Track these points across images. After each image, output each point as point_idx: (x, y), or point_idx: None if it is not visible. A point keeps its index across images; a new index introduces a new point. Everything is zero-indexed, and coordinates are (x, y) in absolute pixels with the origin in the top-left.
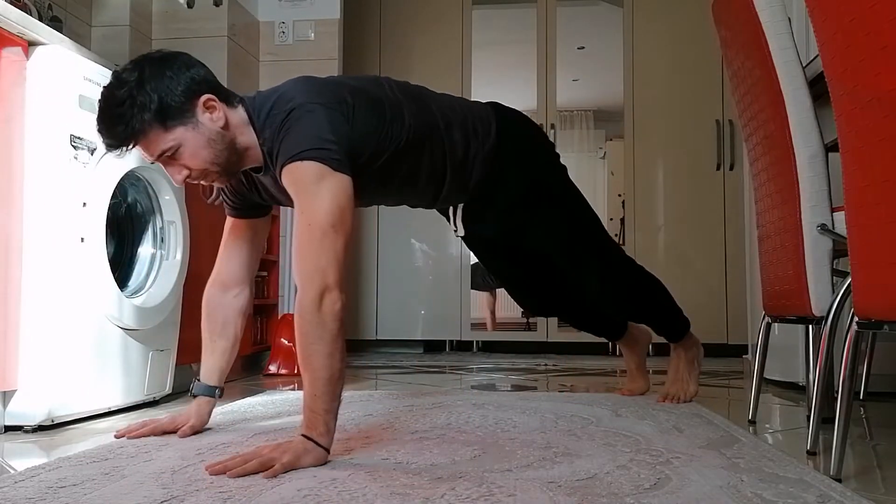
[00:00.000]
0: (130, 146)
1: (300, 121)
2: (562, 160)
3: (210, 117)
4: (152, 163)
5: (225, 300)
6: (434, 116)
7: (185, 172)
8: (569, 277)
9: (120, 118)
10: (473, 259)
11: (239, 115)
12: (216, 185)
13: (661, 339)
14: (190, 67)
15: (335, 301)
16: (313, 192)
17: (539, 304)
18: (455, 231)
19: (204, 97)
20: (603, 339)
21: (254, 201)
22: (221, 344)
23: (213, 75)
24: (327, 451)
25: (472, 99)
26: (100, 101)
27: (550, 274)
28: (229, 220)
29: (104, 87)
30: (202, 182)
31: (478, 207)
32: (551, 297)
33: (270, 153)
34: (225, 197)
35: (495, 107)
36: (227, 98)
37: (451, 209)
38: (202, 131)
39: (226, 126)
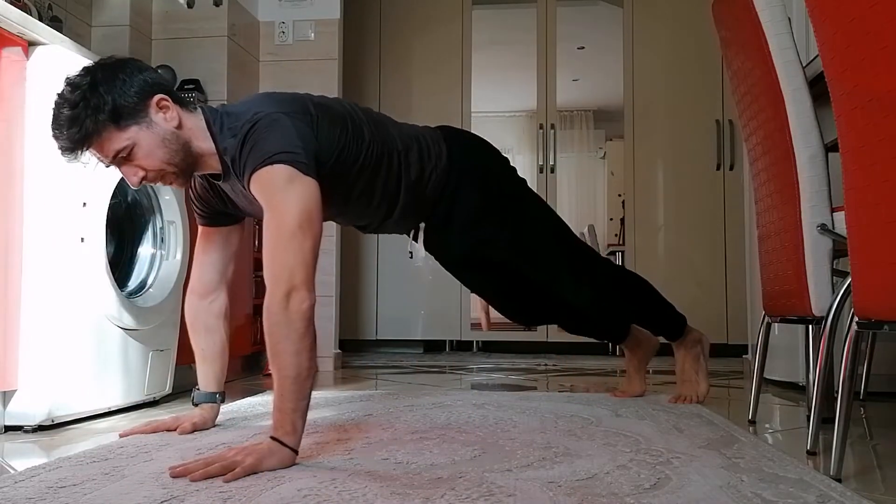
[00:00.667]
0: (85, 148)
1: (267, 129)
2: (518, 173)
3: (164, 117)
4: (108, 166)
5: (203, 307)
6: (393, 139)
7: (141, 174)
8: (543, 287)
9: (73, 120)
10: None
11: (195, 120)
12: (174, 186)
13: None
14: (142, 71)
15: (303, 300)
16: (282, 194)
17: (526, 316)
18: (410, 253)
19: (157, 97)
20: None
21: (221, 209)
22: (210, 350)
23: (166, 80)
24: (295, 451)
25: (472, 99)
26: (53, 107)
27: (528, 285)
28: (201, 229)
29: (57, 93)
30: (160, 183)
31: (439, 229)
32: (536, 308)
33: (233, 162)
34: (194, 206)
35: (445, 130)
36: (182, 102)
37: (412, 232)
38: (156, 131)
39: (179, 127)
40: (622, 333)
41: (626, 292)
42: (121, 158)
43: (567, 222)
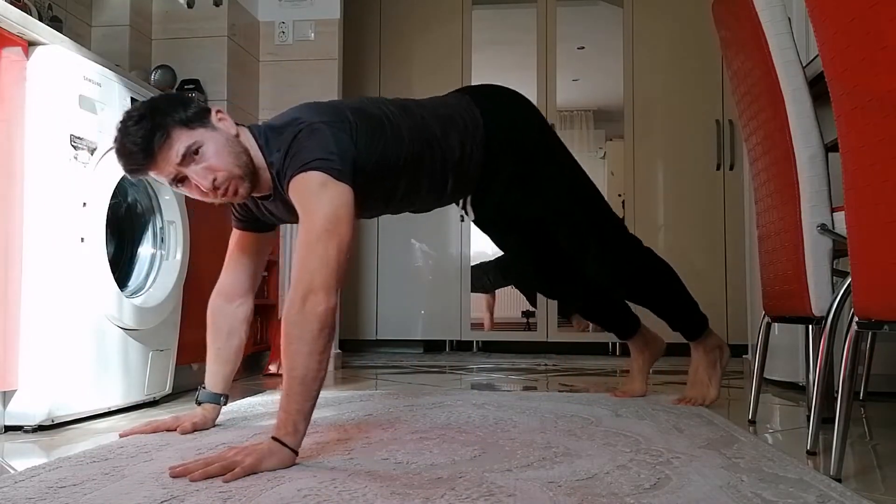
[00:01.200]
0: (155, 148)
1: (307, 138)
2: (549, 127)
3: (225, 125)
4: (172, 182)
5: (229, 310)
6: (430, 127)
7: (211, 176)
8: (571, 248)
9: (141, 124)
10: (473, 260)
11: (246, 135)
12: (238, 199)
13: (674, 340)
14: (193, 101)
15: (319, 303)
16: (314, 199)
17: (549, 285)
18: (465, 216)
19: (215, 109)
20: (603, 339)
21: (259, 216)
22: (226, 352)
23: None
24: (295, 452)
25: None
26: (117, 132)
27: (557, 251)
28: (235, 233)
29: (119, 122)
30: (228, 193)
31: (480, 198)
32: (560, 276)
33: (279, 174)
34: (233, 208)
35: (471, 93)
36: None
37: (461, 202)
38: (221, 134)
39: (238, 136)
40: (631, 328)
41: (650, 272)
42: (190, 157)
43: None
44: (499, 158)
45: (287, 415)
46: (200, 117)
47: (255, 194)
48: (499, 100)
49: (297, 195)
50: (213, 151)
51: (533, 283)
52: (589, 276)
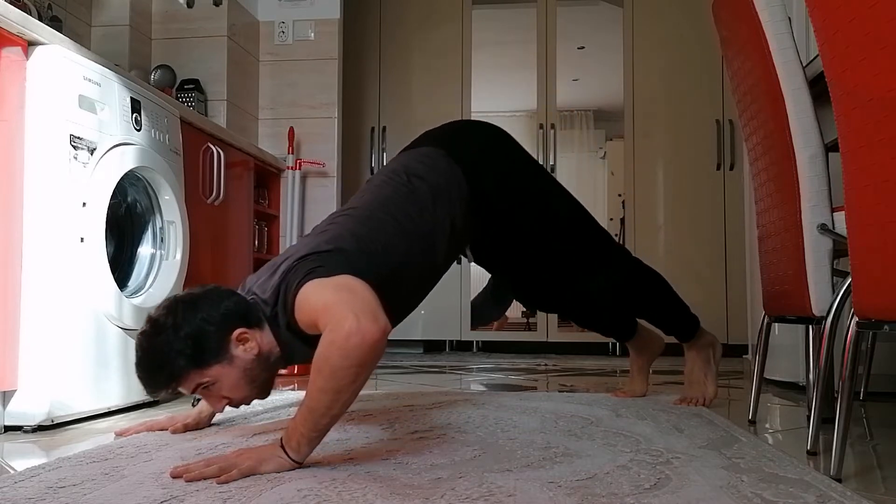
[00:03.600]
0: (169, 390)
1: (293, 271)
2: (526, 154)
3: (244, 348)
4: (191, 393)
5: None
6: (416, 218)
7: (225, 402)
8: (565, 269)
9: (160, 368)
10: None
11: (266, 332)
12: (249, 403)
13: (671, 340)
14: (220, 302)
15: (364, 344)
16: (321, 302)
17: (546, 303)
18: (468, 259)
19: (237, 332)
20: (603, 340)
21: None
22: None
23: (242, 302)
24: (297, 463)
25: (472, 99)
26: (137, 349)
27: (547, 269)
28: None
29: (140, 333)
30: (242, 405)
31: (475, 242)
32: (555, 292)
33: (284, 324)
34: None
35: (447, 145)
36: (258, 321)
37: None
38: (238, 364)
39: (260, 352)
40: (629, 331)
41: (643, 286)
42: (203, 390)
43: None
44: (488, 212)
45: (294, 431)
46: (218, 351)
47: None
48: (478, 149)
49: (307, 313)
50: (228, 386)
51: (530, 302)
52: (589, 293)
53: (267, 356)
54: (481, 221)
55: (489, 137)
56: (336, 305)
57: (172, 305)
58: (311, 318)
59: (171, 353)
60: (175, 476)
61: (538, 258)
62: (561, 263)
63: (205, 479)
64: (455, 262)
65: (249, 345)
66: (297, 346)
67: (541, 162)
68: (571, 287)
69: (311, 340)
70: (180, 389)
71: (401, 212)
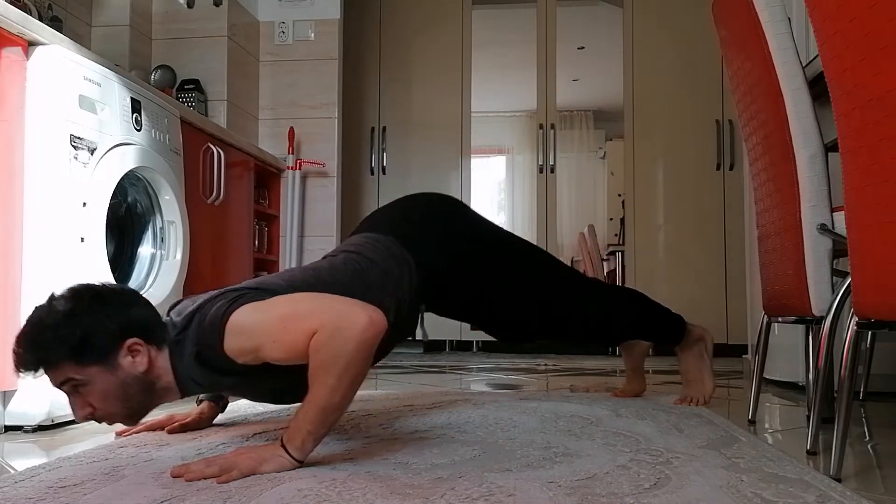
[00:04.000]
0: (36, 373)
1: (210, 302)
2: (478, 216)
3: (131, 361)
4: (56, 386)
5: None
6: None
7: (89, 410)
8: (541, 314)
9: (38, 347)
10: None
11: (163, 355)
12: (112, 423)
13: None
14: (131, 307)
15: (378, 335)
16: (257, 325)
17: (523, 337)
18: (424, 336)
19: (130, 341)
20: None
21: None
22: None
23: (153, 317)
24: (298, 462)
25: (472, 99)
26: (26, 321)
27: (524, 315)
28: None
29: (36, 307)
30: (105, 422)
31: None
32: (535, 333)
33: (179, 346)
34: None
35: (393, 230)
36: (159, 341)
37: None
38: (119, 375)
39: (148, 371)
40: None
41: (623, 311)
42: (69, 388)
43: (567, 222)
44: (446, 285)
45: (298, 430)
46: (103, 353)
47: (153, 408)
48: (427, 231)
49: (248, 337)
50: (98, 394)
51: (508, 341)
52: (566, 331)
53: (152, 380)
54: (441, 295)
55: (434, 211)
56: (321, 308)
57: (81, 292)
58: (257, 340)
59: (56, 338)
60: (176, 476)
61: (510, 311)
62: (535, 311)
63: (205, 478)
64: None
65: (139, 359)
66: (204, 378)
67: (540, 162)
68: (550, 328)
69: (230, 370)
70: (47, 377)
71: (347, 284)
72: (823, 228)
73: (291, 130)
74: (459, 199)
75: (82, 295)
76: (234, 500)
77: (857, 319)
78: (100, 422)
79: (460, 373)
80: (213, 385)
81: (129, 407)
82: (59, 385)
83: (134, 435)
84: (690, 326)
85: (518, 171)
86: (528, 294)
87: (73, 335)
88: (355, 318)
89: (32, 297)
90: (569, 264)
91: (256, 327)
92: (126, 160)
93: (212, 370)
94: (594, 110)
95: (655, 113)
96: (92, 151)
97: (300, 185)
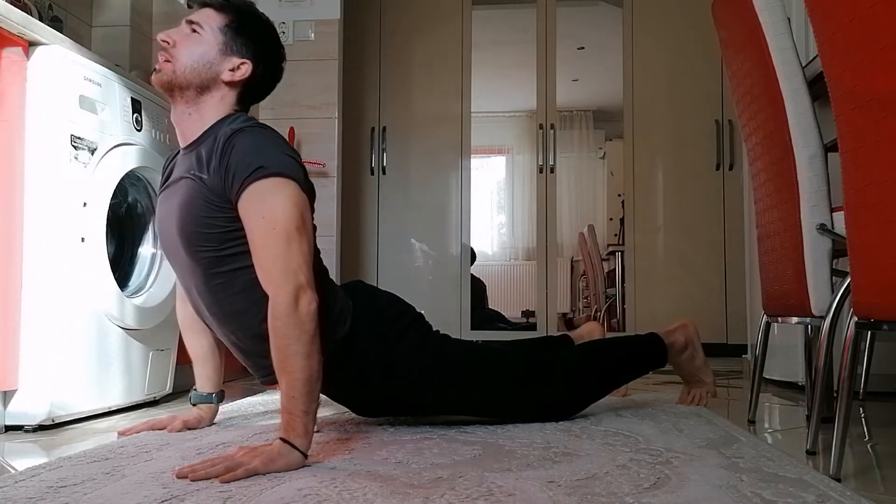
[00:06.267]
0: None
1: (248, 138)
2: (415, 316)
3: (229, 64)
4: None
5: (189, 310)
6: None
7: (171, 41)
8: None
9: None
10: (474, 268)
11: (227, 103)
12: (164, 72)
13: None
14: (283, 59)
15: (311, 301)
16: (272, 199)
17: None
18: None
19: (245, 64)
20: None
21: None
22: (199, 352)
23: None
24: (304, 454)
25: (472, 99)
26: None
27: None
28: None
29: None
30: (162, 62)
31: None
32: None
33: (208, 156)
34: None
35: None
36: (245, 101)
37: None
38: (205, 43)
39: (216, 80)
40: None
41: (599, 365)
42: (188, 24)
43: (567, 222)
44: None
45: (294, 417)
46: (230, 40)
47: (177, 126)
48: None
49: (255, 200)
50: (190, 45)
51: None
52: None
53: (213, 90)
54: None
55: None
56: (289, 250)
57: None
58: (250, 210)
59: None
60: (181, 476)
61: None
62: (502, 412)
63: (209, 478)
64: (457, 262)
65: (232, 68)
66: (208, 151)
67: (540, 162)
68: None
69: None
70: (192, 14)
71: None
72: (823, 228)
73: (291, 130)
74: (459, 199)
75: (264, 19)
76: (234, 499)
77: (856, 319)
78: (165, 56)
79: None
80: (199, 167)
81: (192, 67)
82: (188, 24)
83: (134, 435)
84: (671, 339)
85: (518, 171)
86: (487, 406)
87: (236, 8)
88: (302, 291)
89: (32, 296)
90: (569, 264)
91: (263, 202)
92: (126, 160)
93: (220, 157)
94: (594, 110)
95: (655, 113)
96: (92, 151)
97: None
